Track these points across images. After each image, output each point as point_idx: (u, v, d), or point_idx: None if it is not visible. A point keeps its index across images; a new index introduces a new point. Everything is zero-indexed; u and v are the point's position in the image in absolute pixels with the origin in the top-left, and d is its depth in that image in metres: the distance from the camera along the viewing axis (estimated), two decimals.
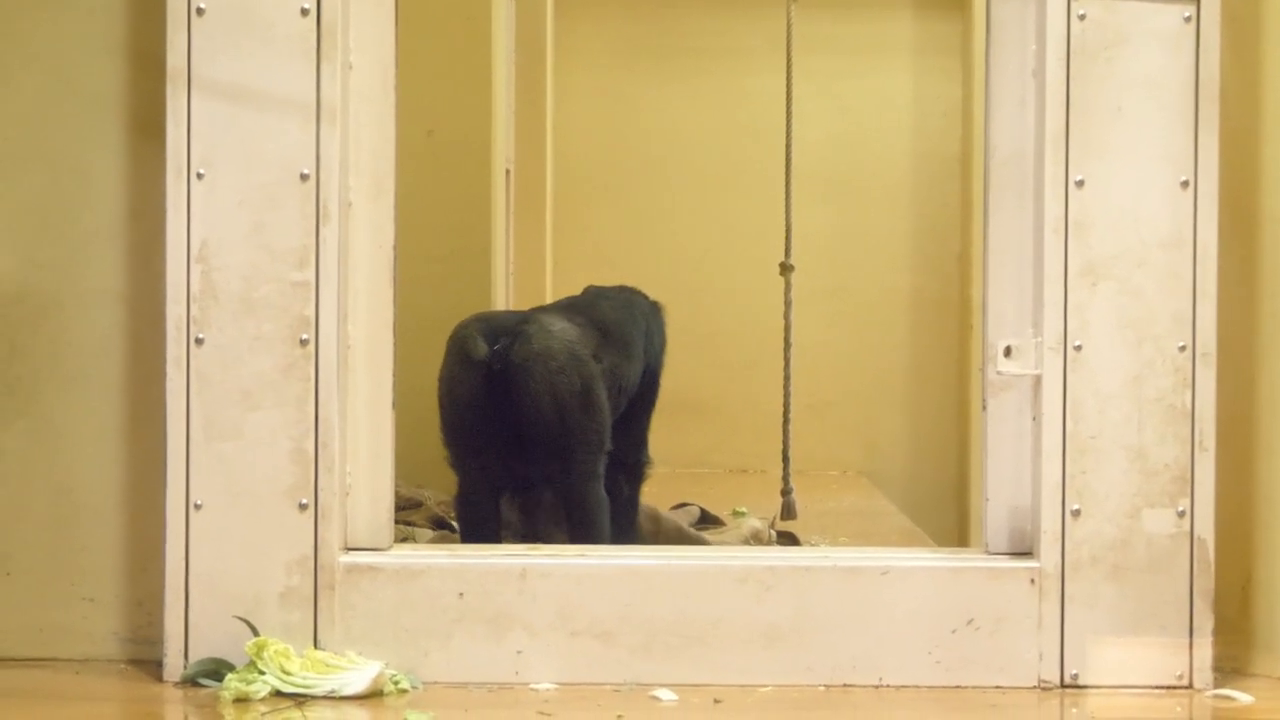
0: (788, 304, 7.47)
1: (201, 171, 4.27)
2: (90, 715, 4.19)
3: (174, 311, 4.28)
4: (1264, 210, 4.41)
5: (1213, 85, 4.26)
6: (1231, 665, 4.42)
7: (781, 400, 7.46)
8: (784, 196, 7.50)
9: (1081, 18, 4.26)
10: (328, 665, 4.21)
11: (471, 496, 6.01)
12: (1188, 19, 4.26)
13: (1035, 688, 4.27)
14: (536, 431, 5.84)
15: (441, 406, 5.96)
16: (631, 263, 10.07)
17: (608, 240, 10.66)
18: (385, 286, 4.42)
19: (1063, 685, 4.27)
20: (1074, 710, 4.19)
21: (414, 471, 6.64)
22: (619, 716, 4.05)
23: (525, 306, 7.56)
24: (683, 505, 7.32)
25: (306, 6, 4.27)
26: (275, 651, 4.19)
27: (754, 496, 8.11)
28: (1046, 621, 4.27)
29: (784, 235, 7.49)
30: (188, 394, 4.28)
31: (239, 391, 4.27)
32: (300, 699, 4.14)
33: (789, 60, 7.49)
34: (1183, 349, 4.25)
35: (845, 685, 4.28)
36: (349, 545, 4.36)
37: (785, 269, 7.49)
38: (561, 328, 5.96)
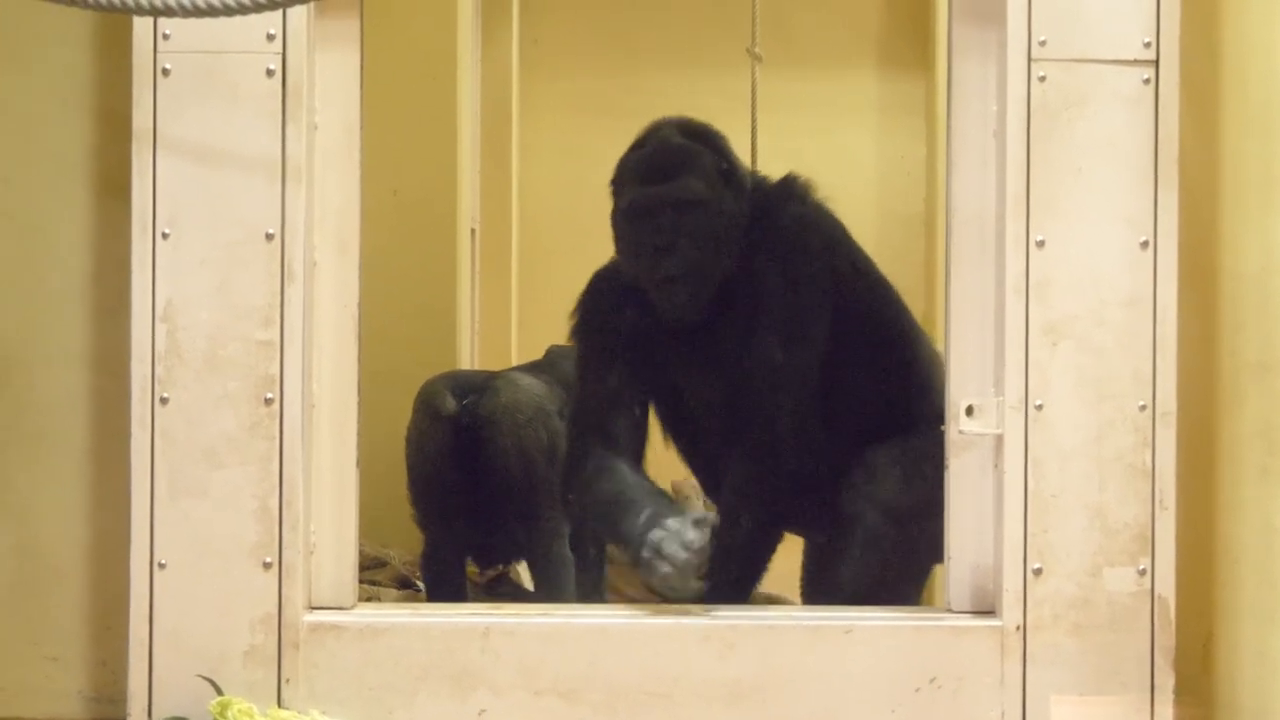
0: None
1: (167, 231, 4.27)
2: None
3: (139, 370, 4.28)
4: (1223, 269, 4.43)
5: (1172, 146, 4.29)
6: None
7: None
8: None
9: (1042, 79, 4.29)
10: None
11: (438, 555, 6.02)
12: (1146, 81, 4.29)
13: None
14: (503, 486, 5.85)
15: (410, 464, 5.97)
16: None
17: (574, 299, 10.63)
18: (350, 345, 4.42)
19: None
20: None
21: (379, 532, 6.63)
22: None
23: (491, 365, 7.58)
24: None
25: (272, 67, 4.29)
26: (239, 710, 4.18)
27: None
28: (1008, 680, 4.28)
29: None
30: (152, 453, 4.27)
31: (203, 450, 4.27)
32: None
33: (753, 119, 7.52)
34: (1143, 408, 4.27)
35: None
36: (313, 604, 4.36)
37: None
38: (529, 383, 6.00)
